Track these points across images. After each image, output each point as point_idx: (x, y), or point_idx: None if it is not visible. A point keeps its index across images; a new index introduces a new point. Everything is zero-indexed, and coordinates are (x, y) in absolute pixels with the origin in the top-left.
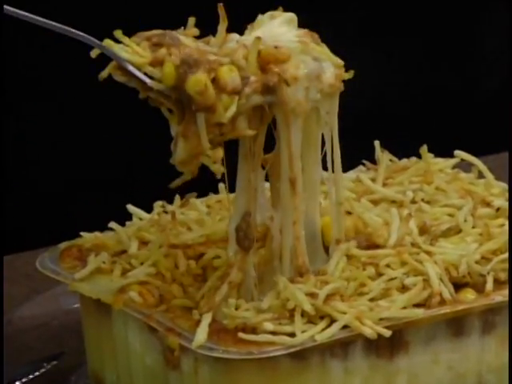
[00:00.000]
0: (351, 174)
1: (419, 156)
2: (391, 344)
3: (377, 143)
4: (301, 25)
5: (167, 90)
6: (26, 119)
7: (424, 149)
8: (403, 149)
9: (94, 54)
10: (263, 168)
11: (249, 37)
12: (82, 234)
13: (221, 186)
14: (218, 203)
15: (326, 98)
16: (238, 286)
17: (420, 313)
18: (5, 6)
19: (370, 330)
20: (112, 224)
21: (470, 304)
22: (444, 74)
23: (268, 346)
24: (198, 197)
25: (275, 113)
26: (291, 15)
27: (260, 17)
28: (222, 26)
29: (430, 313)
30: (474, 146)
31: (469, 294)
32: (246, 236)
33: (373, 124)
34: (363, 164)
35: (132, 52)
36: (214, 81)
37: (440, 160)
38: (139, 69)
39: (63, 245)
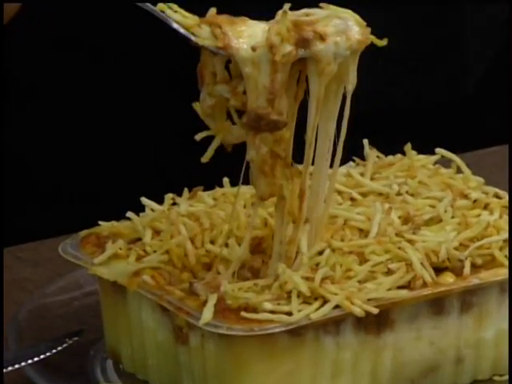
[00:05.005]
0: (342, 169)
1: (404, 153)
2: (378, 322)
3: (365, 141)
4: None
5: (213, 47)
6: (46, 110)
7: (408, 147)
8: (389, 146)
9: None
10: None
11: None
12: (100, 222)
13: (225, 180)
14: (222, 196)
15: (352, 56)
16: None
17: (404, 294)
18: None
19: (358, 309)
20: (129, 214)
21: (449, 286)
22: (424, 76)
23: (268, 323)
24: (205, 190)
25: (308, 72)
26: None
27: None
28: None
29: (413, 294)
30: (453, 144)
31: (448, 278)
32: None
33: (362, 124)
34: (353, 160)
35: (182, 16)
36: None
37: (422, 157)
38: (187, 29)
39: (83, 233)
